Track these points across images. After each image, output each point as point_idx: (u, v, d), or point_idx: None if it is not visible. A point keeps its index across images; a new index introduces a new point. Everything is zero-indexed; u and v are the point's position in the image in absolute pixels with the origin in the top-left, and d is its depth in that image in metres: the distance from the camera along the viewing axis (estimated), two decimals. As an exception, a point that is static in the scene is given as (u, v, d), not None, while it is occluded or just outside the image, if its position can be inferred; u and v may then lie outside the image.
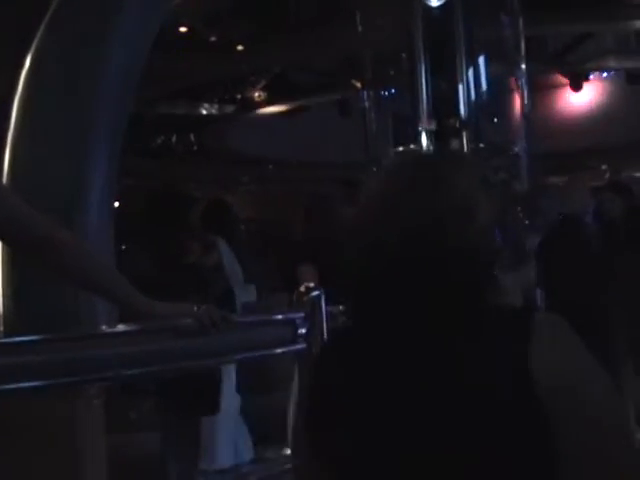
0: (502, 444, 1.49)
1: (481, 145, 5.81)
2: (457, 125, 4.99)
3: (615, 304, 5.74)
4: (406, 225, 1.55)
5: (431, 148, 5.03)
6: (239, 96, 14.49)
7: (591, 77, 15.01)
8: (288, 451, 5.09)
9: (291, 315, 2.87)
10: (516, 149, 8.02)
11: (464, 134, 4.84)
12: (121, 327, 2.47)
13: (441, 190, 1.56)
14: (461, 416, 1.51)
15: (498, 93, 7.13)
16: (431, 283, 1.53)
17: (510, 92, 8.53)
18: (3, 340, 2.86)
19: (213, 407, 4.89)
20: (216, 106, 14.78)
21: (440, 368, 1.53)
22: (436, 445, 1.51)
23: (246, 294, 6.24)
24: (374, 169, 8.58)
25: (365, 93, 9.42)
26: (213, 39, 11.55)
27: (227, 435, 6.18)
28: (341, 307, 3.23)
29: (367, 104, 9.16)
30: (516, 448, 1.48)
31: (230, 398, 6.18)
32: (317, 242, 5.67)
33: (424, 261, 1.53)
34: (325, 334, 2.81)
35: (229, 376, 6.11)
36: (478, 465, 1.49)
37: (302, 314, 2.81)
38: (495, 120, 7.66)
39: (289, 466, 3.00)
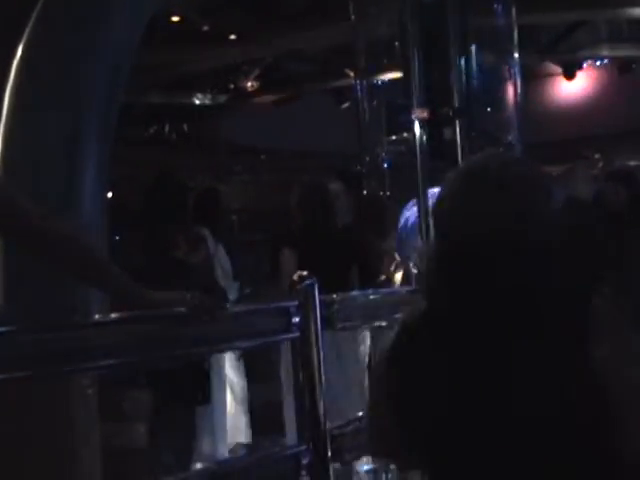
0: (567, 432, 1.67)
1: (474, 134, 5.80)
2: (450, 114, 4.98)
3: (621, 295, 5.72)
4: (487, 224, 1.75)
5: (424, 137, 5.02)
6: (232, 85, 14.46)
7: (584, 66, 15.01)
8: (284, 439, 5.10)
9: (284, 304, 2.87)
10: (509, 138, 8.02)
11: (457, 123, 4.83)
12: (113, 316, 2.47)
13: (515, 192, 1.76)
14: (524, 400, 1.68)
15: (491, 82, 7.12)
16: (504, 275, 1.72)
17: (503, 81, 8.52)
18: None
19: (202, 397, 4.88)
20: (209, 95, 14.75)
21: (508, 357, 1.71)
22: (507, 427, 1.70)
23: (228, 291, 6.19)
24: (367, 158, 8.58)
25: (358, 82, 9.40)
26: (206, 28, 11.52)
27: (223, 424, 6.19)
28: (334, 296, 3.23)
29: (360, 93, 9.15)
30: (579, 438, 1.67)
31: (225, 387, 6.19)
32: (310, 228, 5.68)
33: (499, 256, 1.72)
34: (319, 322, 2.81)
35: (224, 365, 6.11)
36: (546, 444, 1.67)
37: (296, 302, 2.81)
38: (488, 109, 7.65)
39: (286, 454, 3.00)
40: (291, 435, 5.30)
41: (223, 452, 6.02)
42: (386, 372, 1.88)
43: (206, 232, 6.16)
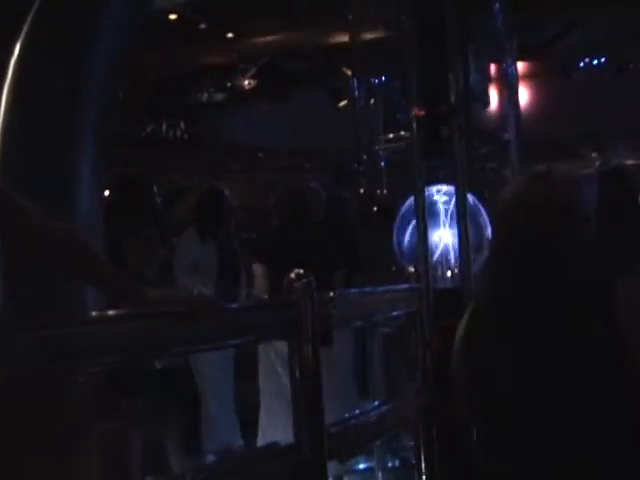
0: (600, 392, 2.19)
1: (472, 132, 5.80)
2: (447, 112, 4.99)
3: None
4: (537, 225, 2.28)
5: (421, 135, 5.03)
6: (229, 84, 14.47)
7: (581, 65, 15.03)
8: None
9: (281, 301, 2.87)
10: (506, 136, 8.02)
11: (454, 121, 4.84)
12: (110, 314, 2.47)
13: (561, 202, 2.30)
14: (571, 365, 2.18)
15: (488, 80, 7.13)
16: (552, 265, 2.25)
17: (500, 79, 8.52)
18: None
19: (189, 395, 4.89)
20: (206, 94, 14.76)
21: (553, 329, 2.23)
22: (556, 382, 2.21)
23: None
24: (364, 156, 8.58)
25: (356, 81, 9.40)
26: (203, 26, 11.52)
27: (225, 419, 6.20)
28: (331, 294, 3.24)
29: (357, 91, 9.15)
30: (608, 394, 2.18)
31: (226, 383, 6.20)
32: (286, 229, 5.71)
33: (547, 250, 2.25)
34: (315, 320, 2.81)
35: (223, 361, 6.12)
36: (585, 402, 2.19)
37: (292, 300, 2.80)
38: (485, 107, 7.65)
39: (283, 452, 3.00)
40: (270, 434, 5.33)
41: (225, 445, 6.04)
42: (463, 346, 2.40)
43: (190, 234, 6.16)
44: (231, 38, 11.63)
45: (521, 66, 10.91)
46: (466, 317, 2.48)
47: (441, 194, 5.06)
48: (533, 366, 2.24)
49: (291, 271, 2.81)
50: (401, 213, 5.56)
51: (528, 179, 2.39)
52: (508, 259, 2.31)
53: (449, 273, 4.85)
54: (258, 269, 5.64)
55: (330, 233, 6.19)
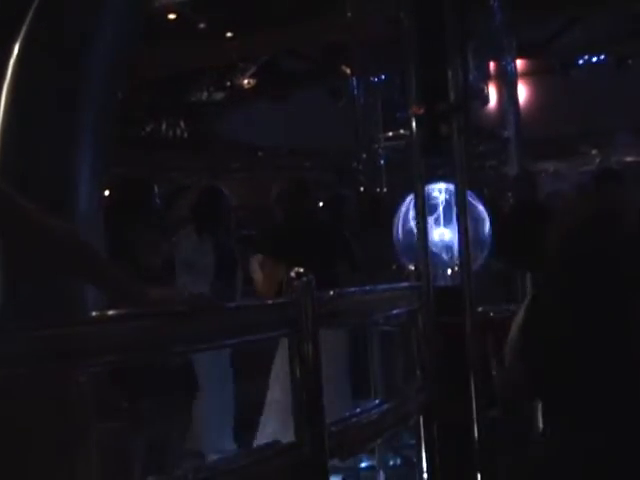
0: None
1: (471, 130, 5.80)
2: (447, 110, 4.99)
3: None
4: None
5: (420, 134, 5.03)
6: (229, 83, 14.47)
7: (581, 62, 15.02)
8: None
9: (281, 300, 2.87)
10: (506, 134, 8.03)
11: (453, 119, 4.84)
12: (110, 313, 2.47)
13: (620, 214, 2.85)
14: (616, 337, 2.74)
15: (488, 78, 7.14)
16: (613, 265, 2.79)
17: (500, 77, 8.53)
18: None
19: (189, 390, 4.90)
20: (206, 93, 14.76)
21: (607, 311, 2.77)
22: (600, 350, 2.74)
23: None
24: (364, 155, 8.59)
25: (355, 79, 9.41)
26: (202, 25, 11.52)
27: (221, 419, 6.20)
28: (331, 292, 3.23)
29: (356, 90, 9.17)
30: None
31: (223, 382, 6.20)
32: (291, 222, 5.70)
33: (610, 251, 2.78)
34: (315, 319, 2.81)
35: (220, 361, 6.12)
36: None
37: (292, 299, 2.81)
38: (485, 105, 7.66)
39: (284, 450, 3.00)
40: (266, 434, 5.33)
41: (222, 447, 6.04)
42: (520, 335, 2.91)
43: (188, 232, 6.15)
44: (231, 37, 11.63)
45: (520, 64, 10.93)
46: (526, 306, 2.99)
47: (441, 192, 5.07)
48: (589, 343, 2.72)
49: (292, 268, 2.82)
50: (401, 211, 5.56)
51: (581, 203, 3.10)
52: (570, 266, 2.82)
53: (449, 271, 4.85)
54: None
55: (329, 230, 6.18)
